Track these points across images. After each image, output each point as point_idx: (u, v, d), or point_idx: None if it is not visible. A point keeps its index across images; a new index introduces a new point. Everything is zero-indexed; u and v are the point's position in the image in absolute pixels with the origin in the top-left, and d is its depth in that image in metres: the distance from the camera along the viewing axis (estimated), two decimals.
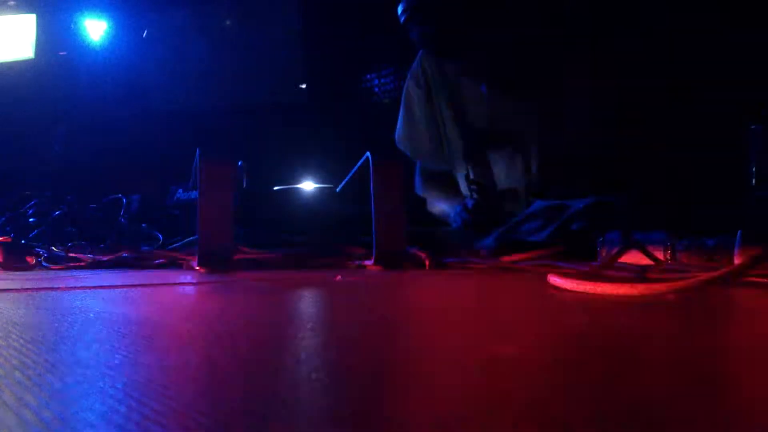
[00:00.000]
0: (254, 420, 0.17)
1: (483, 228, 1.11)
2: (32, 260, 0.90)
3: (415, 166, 1.43)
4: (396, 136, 1.42)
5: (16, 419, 0.16)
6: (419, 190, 1.41)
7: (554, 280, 0.50)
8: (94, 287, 0.60)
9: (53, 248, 0.94)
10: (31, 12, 2.51)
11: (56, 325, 0.35)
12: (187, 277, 0.72)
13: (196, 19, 2.53)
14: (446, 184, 1.38)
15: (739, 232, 0.64)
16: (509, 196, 1.28)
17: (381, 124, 1.53)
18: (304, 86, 2.39)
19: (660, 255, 0.70)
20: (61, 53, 2.53)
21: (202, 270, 0.76)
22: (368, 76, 2.26)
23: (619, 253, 0.61)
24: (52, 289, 0.58)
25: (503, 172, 1.28)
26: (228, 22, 2.48)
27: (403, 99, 1.41)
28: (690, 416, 0.17)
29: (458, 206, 1.24)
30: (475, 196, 1.31)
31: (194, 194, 0.79)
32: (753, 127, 0.84)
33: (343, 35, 2.25)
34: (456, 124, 1.32)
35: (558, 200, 1.01)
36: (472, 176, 1.31)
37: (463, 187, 1.35)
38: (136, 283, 0.64)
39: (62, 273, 0.82)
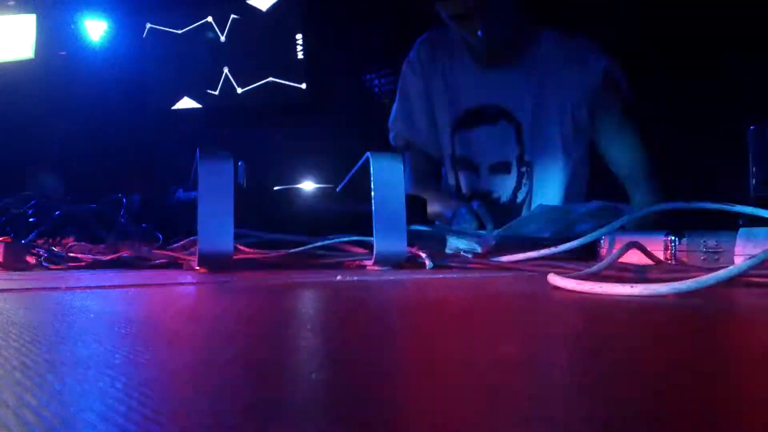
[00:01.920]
0: (255, 420, 0.17)
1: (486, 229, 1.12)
2: (32, 260, 0.90)
3: (405, 165, 1.45)
4: (390, 120, 1.47)
5: (16, 419, 0.16)
6: (409, 189, 1.43)
7: (554, 279, 0.50)
8: (94, 287, 0.60)
9: (53, 248, 0.94)
10: (31, 12, 2.50)
11: (56, 325, 0.35)
12: (187, 277, 0.72)
13: (196, 18, 2.52)
14: (436, 183, 1.41)
15: (739, 231, 0.64)
16: (499, 170, 1.32)
17: (381, 125, 1.54)
18: (304, 86, 2.39)
19: (660, 255, 0.70)
20: (61, 53, 2.53)
21: (202, 270, 0.76)
22: (368, 76, 2.26)
23: (620, 253, 0.61)
24: (52, 289, 0.58)
25: (493, 146, 1.33)
26: (228, 22, 2.48)
27: (399, 85, 1.48)
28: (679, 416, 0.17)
29: (462, 208, 1.25)
30: (462, 176, 1.35)
31: (194, 194, 0.78)
32: (752, 127, 0.84)
33: (344, 35, 2.25)
34: (447, 104, 1.37)
35: (561, 205, 1.02)
36: (458, 152, 1.35)
37: (448, 166, 1.38)
38: (136, 283, 0.64)
39: (62, 273, 0.82)
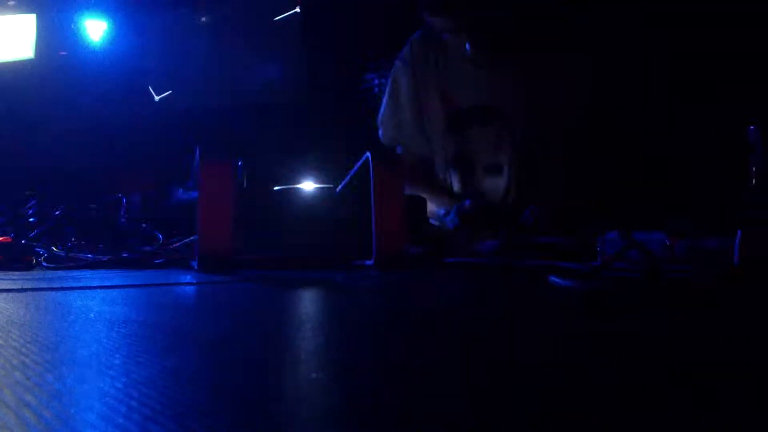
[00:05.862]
0: (254, 420, 0.17)
1: (481, 227, 1.12)
2: (32, 260, 0.90)
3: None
4: (378, 118, 1.47)
5: (16, 419, 0.16)
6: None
7: (555, 279, 0.50)
8: (94, 287, 0.60)
9: (53, 248, 0.94)
10: (31, 12, 2.50)
11: (56, 325, 0.35)
12: (187, 277, 0.72)
13: (196, 18, 2.52)
14: (430, 181, 1.41)
15: (738, 232, 0.64)
16: (492, 171, 1.32)
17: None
18: (304, 86, 2.39)
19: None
20: (61, 53, 2.53)
21: (202, 270, 0.76)
22: (368, 76, 2.26)
23: (620, 253, 0.61)
24: (52, 289, 0.58)
25: (488, 146, 1.32)
26: (228, 22, 2.48)
27: (389, 82, 1.47)
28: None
29: (458, 206, 1.24)
30: (456, 175, 1.35)
31: (194, 194, 0.78)
32: (751, 127, 0.84)
33: (344, 35, 2.25)
34: (440, 102, 1.38)
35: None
36: (453, 151, 1.35)
37: (441, 165, 1.38)
38: (136, 283, 0.64)
39: (62, 273, 0.82)
